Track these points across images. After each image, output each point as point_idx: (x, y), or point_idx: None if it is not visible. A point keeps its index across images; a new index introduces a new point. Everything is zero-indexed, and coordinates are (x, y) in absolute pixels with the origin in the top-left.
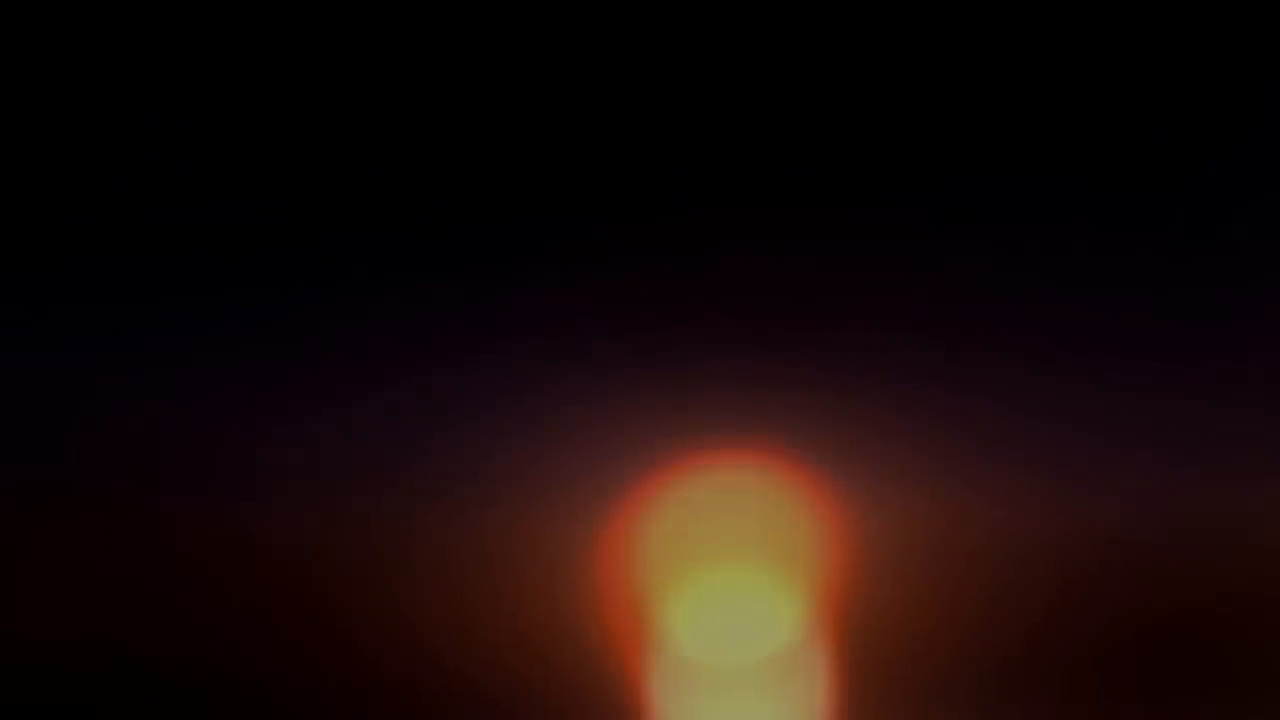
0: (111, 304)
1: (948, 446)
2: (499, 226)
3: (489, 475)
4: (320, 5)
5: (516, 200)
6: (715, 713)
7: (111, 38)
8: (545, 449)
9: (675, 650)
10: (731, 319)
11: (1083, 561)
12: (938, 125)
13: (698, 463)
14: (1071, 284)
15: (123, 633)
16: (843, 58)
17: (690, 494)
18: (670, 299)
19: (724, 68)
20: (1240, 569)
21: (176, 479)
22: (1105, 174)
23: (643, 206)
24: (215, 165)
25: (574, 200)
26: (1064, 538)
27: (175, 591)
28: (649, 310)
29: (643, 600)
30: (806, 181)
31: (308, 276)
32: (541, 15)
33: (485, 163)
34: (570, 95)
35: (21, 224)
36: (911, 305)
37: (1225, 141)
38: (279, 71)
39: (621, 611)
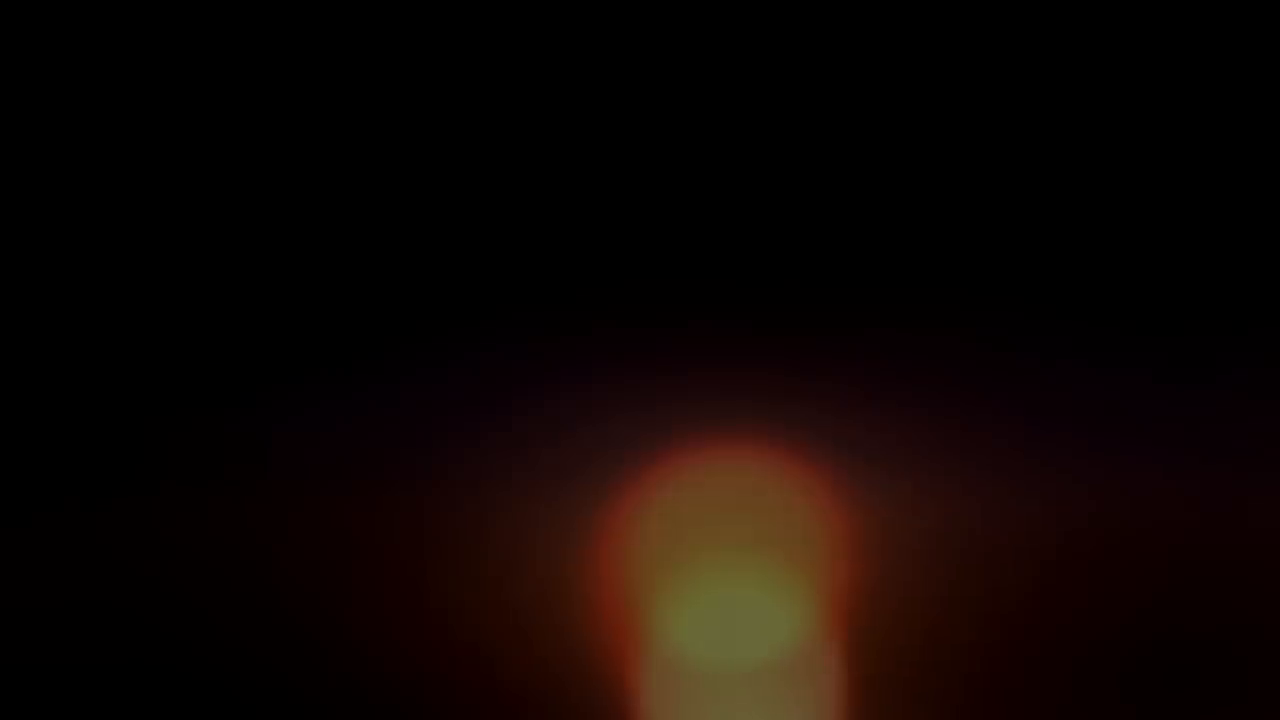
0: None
1: (954, 444)
2: (498, 226)
3: (488, 471)
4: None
5: (516, 202)
6: (715, 716)
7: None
8: (543, 445)
9: (675, 652)
10: (735, 311)
11: (1093, 562)
12: (943, 134)
13: (698, 459)
14: (1080, 282)
15: (128, 630)
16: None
17: (691, 491)
18: (671, 292)
19: (744, 71)
20: (1247, 570)
21: (179, 475)
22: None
23: (642, 205)
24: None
25: (574, 199)
26: (1072, 537)
27: (176, 587)
28: (650, 302)
29: (643, 600)
30: (809, 181)
31: (314, 281)
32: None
33: (486, 167)
34: (576, 106)
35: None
36: (919, 301)
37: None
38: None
39: (622, 612)
